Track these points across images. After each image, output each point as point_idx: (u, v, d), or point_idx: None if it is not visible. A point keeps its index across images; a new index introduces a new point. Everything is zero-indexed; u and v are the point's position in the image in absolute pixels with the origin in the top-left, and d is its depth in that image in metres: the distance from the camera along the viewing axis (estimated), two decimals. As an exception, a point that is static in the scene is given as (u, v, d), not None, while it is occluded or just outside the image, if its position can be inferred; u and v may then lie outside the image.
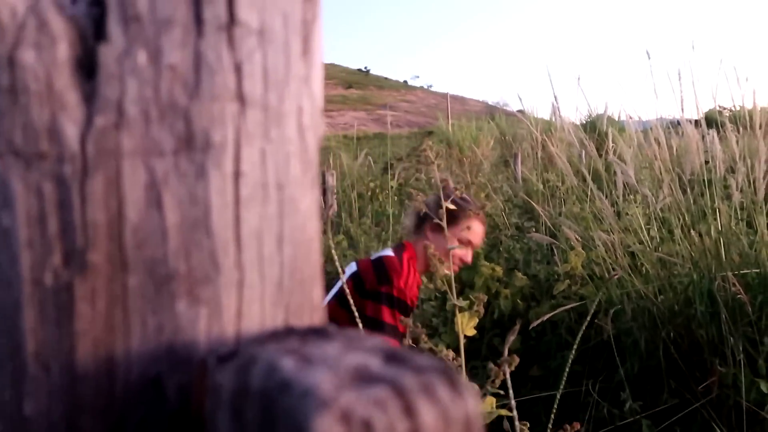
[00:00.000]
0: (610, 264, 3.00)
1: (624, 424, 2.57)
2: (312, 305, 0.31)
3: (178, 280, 0.28)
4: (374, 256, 1.96)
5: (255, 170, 0.29)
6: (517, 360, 0.82)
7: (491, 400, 0.87)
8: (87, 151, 0.27)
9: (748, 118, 3.10)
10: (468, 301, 0.95)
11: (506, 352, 0.86)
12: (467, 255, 1.87)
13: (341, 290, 1.82)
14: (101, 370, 0.27)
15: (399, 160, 8.32)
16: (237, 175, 0.29)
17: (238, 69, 0.29)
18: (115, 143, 0.27)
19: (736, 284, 2.41)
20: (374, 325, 1.68)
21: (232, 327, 0.29)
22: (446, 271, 1.77)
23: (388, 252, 1.83)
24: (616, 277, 0.98)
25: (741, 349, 2.42)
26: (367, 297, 1.73)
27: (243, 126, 0.29)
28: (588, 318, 1.42)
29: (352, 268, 1.94)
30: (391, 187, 5.37)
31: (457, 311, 0.91)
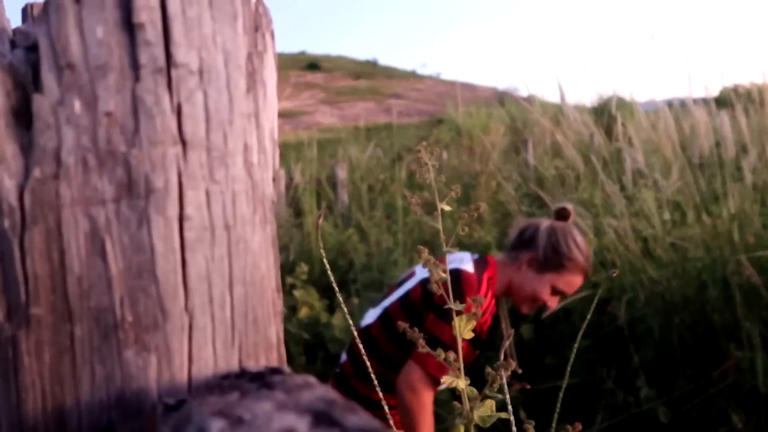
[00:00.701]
0: (622, 250, 2.97)
1: (640, 412, 2.55)
2: (267, 344, 0.31)
3: (125, 328, 0.28)
4: (451, 264, 1.72)
5: (200, 213, 0.29)
6: (513, 365, 0.81)
7: (490, 404, 0.86)
8: (25, 203, 0.27)
9: (758, 95, 3.04)
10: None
11: (502, 357, 0.85)
12: (554, 303, 1.64)
13: (408, 292, 1.61)
14: (51, 422, 0.27)
15: (408, 151, 8.30)
16: (181, 218, 0.28)
17: (178, 111, 0.28)
18: (54, 194, 0.27)
19: (750, 268, 2.38)
20: (431, 341, 1.50)
21: (184, 372, 0.29)
22: (528, 311, 1.67)
23: (468, 265, 1.57)
24: (614, 275, 0.97)
25: (757, 333, 2.39)
26: (431, 308, 1.49)
27: (186, 169, 0.29)
28: (593, 305, 1.39)
29: (423, 272, 1.67)
30: (401, 178, 5.35)
31: (453, 315, 0.90)
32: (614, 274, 0.85)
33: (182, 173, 0.29)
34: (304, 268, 3.35)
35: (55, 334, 0.27)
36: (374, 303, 3.61)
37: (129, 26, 0.28)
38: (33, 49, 0.29)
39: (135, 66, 0.28)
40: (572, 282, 1.58)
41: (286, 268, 4.07)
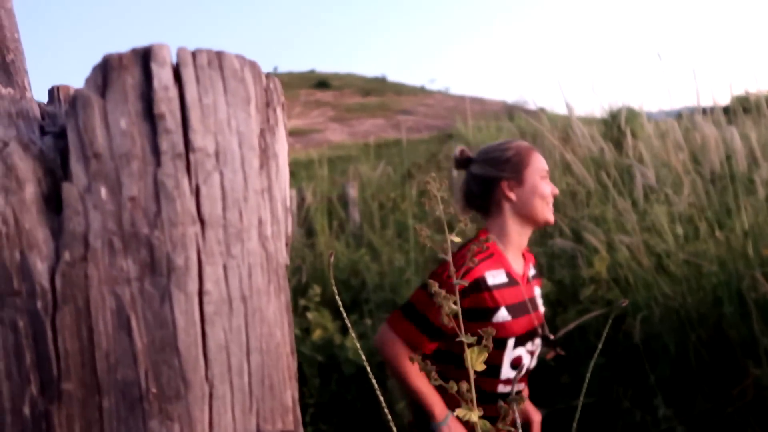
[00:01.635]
0: (635, 266, 2.96)
1: (659, 431, 2.53)
2: (283, 408, 0.32)
3: (150, 400, 0.29)
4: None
5: (218, 287, 0.31)
6: (525, 398, 0.82)
7: (504, 435, 0.87)
8: (56, 285, 0.29)
9: (766, 104, 3.03)
10: (476, 337, 0.94)
11: (514, 389, 0.86)
12: (554, 187, 1.66)
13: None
14: (81, 490, 0.29)
15: (419, 168, 8.31)
16: (201, 293, 0.30)
17: (196, 193, 0.30)
18: (83, 275, 0.29)
19: (766, 283, 2.36)
20: (408, 306, 1.51)
21: (205, 439, 0.30)
22: (553, 216, 1.69)
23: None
24: (625, 305, 0.97)
25: (774, 349, 2.36)
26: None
27: (204, 246, 0.31)
28: (609, 320, 1.37)
29: None
30: (412, 196, 5.37)
31: (465, 347, 0.91)
32: (624, 303, 0.85)
33: (201, 251, 0.30)
34: (317, 290, 3.37)
35: (85, 408, 0.29)
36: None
37: (150, 116, 0.30)
38: (61, 135, 0.32)
39: (156, 152, 0.30)
40: (539, 160, 1.62)
41: (299, 290, 4.08)
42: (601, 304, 3.07)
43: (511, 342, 1.47)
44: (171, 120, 0.30)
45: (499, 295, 1.49)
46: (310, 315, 3.38)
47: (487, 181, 1.60)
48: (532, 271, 1.73)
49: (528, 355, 1.54)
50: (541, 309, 1.65)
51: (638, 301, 2.90)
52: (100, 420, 0.29)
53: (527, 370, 1.55)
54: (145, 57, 0.30)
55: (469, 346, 0.96)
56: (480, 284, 1.45)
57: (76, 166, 0.29)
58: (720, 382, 2.53)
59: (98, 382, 0.29)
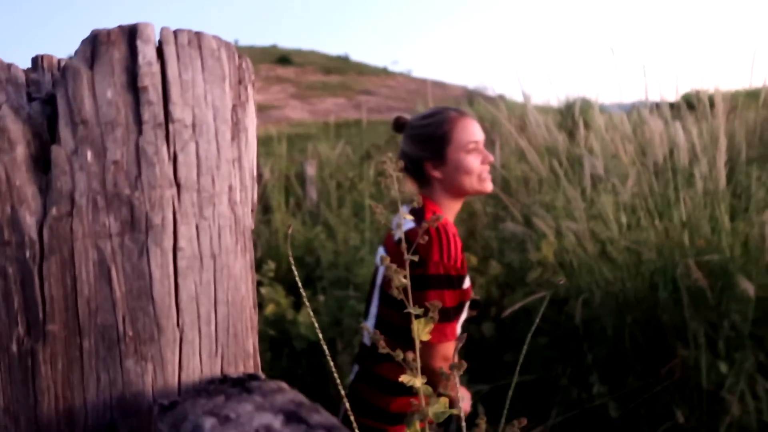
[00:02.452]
0: (580, 252, 3.09)
1: (592, 407, 2.68)
2: (245, 354, 0.37)
3: (126, 342, 0.33)
4: (398, 232, 1.59)
5: (191, 244, 0.34)
6: (465, 366, 0.88)
7: (444, 401, 0.93)
8: (44, 237, 0.32)
9: (712, 101, 3.20)
10: (423, 309, 1.00)
11: (456, 357, 0.92)
12: (487, 154, 1.59)
13: (383, 286, 1.56)
14: (62, 420, 0.32)
15: (378, 149, 8.33)
16: (175, 250, 0.34)
17: (174, 159, 0.34)
18: (68, 229, 0.32)
19: (698, 271, 2.51)
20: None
21: (175, 378, 0.34)
22: (489, 185, 1.65)
23: (409, 224, 1.51)
24: (561, 282, 1.05)
25: (702, 333, 2.53)
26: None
27: (180, 208, 0.34)
28: (545, 301, 1.46)
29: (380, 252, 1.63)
30: (370, 176, 5.40)
31: (413, 318, 0.97)
32: (561, 281, 0.93)
33: (177, 211, 0.34)
34: (271, 265, 3.38)
35: (67, 347, 0.33)
36: (340, 300, 3.63)
37: (134, 88, 0.33)
38: (48, 101, 0.35)
39: (138, 121, 0.33)
40: (465, 132, 1.55)
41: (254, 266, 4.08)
42: (546, 287, 3.20)
43: (467, 305, 1.53)
44: (153, 93, 0.33)
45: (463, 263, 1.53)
46: (263, 290, 3.40)
47: (413, 159, 1.58)
48: None
49: (465, 312, 1.61)
50: None
51: (581, 285, 3.04)
52: (80, 358, 0.33)
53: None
54: (131, 34, 0.33)
55: (417, 317, 1.02)
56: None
57: (64, 131, 0.32)
58: (651, 362, 2.69)
59: (80, 325, 0.33)
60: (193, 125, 0.34)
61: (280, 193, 5.30)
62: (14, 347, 0.32)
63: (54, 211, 0.32)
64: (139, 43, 0.33)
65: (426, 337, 1.01)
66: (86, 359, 0.33)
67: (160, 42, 0.33)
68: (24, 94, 0.35)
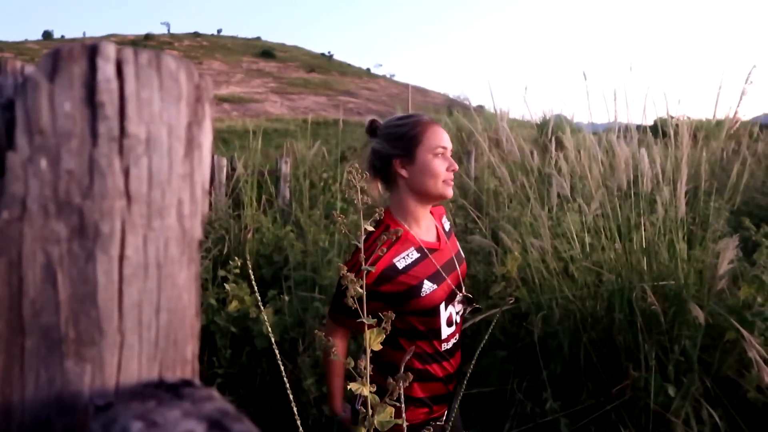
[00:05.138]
0: (543, 269, 3.16)
1: (544, 422, 2.73)
2: (183, 360, 0.39)
3: (67, 343, 0.35)
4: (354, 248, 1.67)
5: (138, 253, 0.36)
6: (410, 377, 0.91)
7: (390, 410, 0.96)
8: (-7, 239, 0.34)
9: (674, 130, 3.30)
10: (376, 319, 1.03)
11: (402, 369, 0.94)
12: (452, 162, 1.64)
13: None
14: (0, 414, 0.34)
15: (354, 151, 8.32)
16: (122, 258, 0.36)
17: (126, 172, 0.36)
18: (18, 233, 0.34)
19: (652, 296, 2.59)
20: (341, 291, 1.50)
21: (113, 380, 0.36)
22: (450, 192, 1.69)
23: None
24: (511, 301, 1.10)
25: (653, 355, 2.61)
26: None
27: (129, 218, 0.36)
28: (497, 316, 1.50)
29: None
30: (343, 179, 5.41)
31: (366, 328, 1.00)
32: (512, 301, 0.96)
33: (125, 221, 0.36)
34: (237, 262, 3.37)
35: (9, 345, 0.34)
36: (305, 301, 3.62)
37: (92, 103, 0.35)
38: (8, 107, 0.36)
39: (94, 134, 0.35)
40: (435, 137, 1.61)
41: (220, 261, 4.06)
42: (509, 302, 3.25)
43: (442, 307, 1.58)
44: (110, 108, 0.35)
45: (416, 272, 1.56)
46: (228, 286, 3.38)
47: (383, 156, 1.64)
48: (447, 224, 1.81)
49: (456, 307, 1.66)
50: (463, 260, 1.73)
51: (542, 301, 3.11)
52: (21, 356, 0.34)
53: (457, 322, 1.67)
54: (92, 51, 0.35)
55: (369, 327, 1.05)
56: (390, 273, 1.53)
57: (21, 138, 0.34)
58: (603, 381, 2.77)
59: (23, 325, 0.34)
60: (147, 141, 0.36)
61: (252, 189, 5.28)
62: (-44, 343, 0.33)
63: (5, 214, 0.34)
64: (99, 60, 0.34)
65: (377, 347, 1.04)
66: (27, 358, 0.34)
67: (119, 61, 0.35)
68: (-16, 99, 0.36)
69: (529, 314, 3.21)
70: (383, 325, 0.99)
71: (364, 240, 1.52)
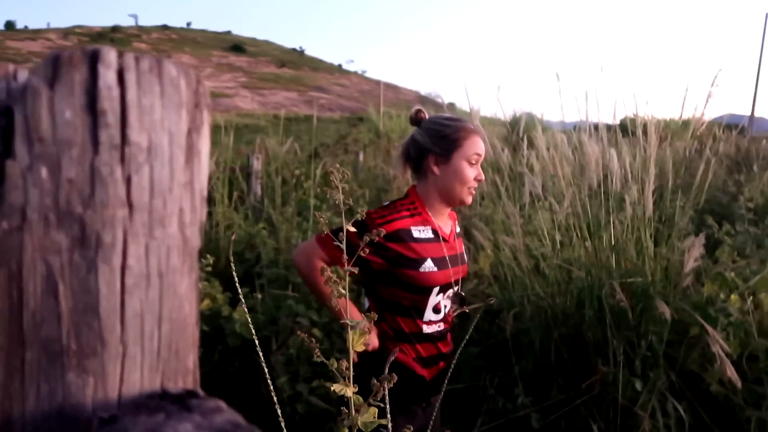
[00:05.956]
0: (515, 266, 3.20)
1: (516, 417, 2.78)
2: (185, 370, 0.38)
3: (69, 355, 0.34)
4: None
5: (139, 263, 0.36)
6: (395, 378, 0.91)
7: (373, 411, 0.96)
8: (-8, 249, 0.33)
9: (641, 127, 3.38)
10: (358, 321, 1.03)
11: (387, 370, 0.95)
12: (481, 172, 1.72)
13: None
14: (1, 428, 0.33)
15: (326, 148, 8.29)
16: (124, 268, 0.35)
17: (128, 181, 0.35)
18: (18, 243, 0.33)
19: (621, 293, 2.65)
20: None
21: (116, 391, 0.35)
22: (470, 200, 1.77)
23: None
24: (491, 301, 1.15)
25: (621, 351, 2.67)
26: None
27: (130, 227, 0.36)
28: (478, 315, 1.51)
29: None
30: (316, 176, 5.38)
31: (348, 329, 1.00)
32: (491, 301, 0.98)
33: (127, 231, 0.35)
34: (209, 259, 3.33)
35: (9, 357, 0.33)
36: (278, 299, 3.60)
37: (93, 111, 0.34)
38: (3, 114, 0.35)
39: (95, 142, 0.34)
40: (474, 145, 1.69)
41: (191, 258, 3.99)
42: (481, 298, 3.29)
43: (435, 290, 1.65)
44: (111, 116, 0.34)
45: (424, 248, 1.64)
46: (199, 284, 3.33)
47: (421, 148, 1.72)
48: (458, 229, 1.91)
49: (447, 301, 1.73)
50: (466, 263, 1.81)
51: (513, 299, 3.15)
52: (21, 369, 0.34)
53: (446, 315, 1.73)
54: (93, 58, 0.34)
55: (351, 328, 1.05)
56: (403, 235, 1.60)
57: (20, 147, 0.33)
58: (573, 377, 2.82)
59: (23, 337, 0.34)
60: (149, 149, 0.36)
61: (223, 185, 5.21)
62: (-46, 356, 0.33)
63: (5, 224, 0.33)
64: (100, 67, 0.34)
65: (360, 348, 1.04)
66: (28, 370, 0.33)
67: (121, 67, 0.35)
68: (-22, 105, 0.35)
69: (501, 311, 3.25)
70: (365, 326, 1.00)
71: (386, 206, 1.60)
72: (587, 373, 2.80)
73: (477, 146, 1.72)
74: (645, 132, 3.41)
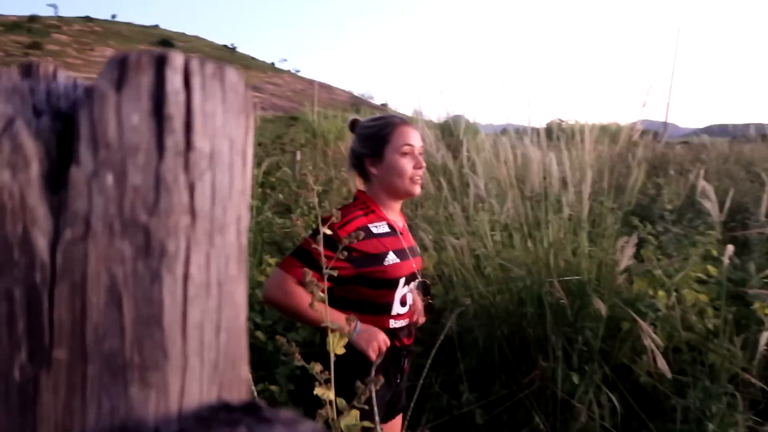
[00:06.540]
0: (458, 266, 3.28)
1: (460, 413, 2.84)
2: (240, 380, 0.38)
3: (132, 368, 0.33)
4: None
5: (201, 272, 0.35)
6: (382, 380, 0.92)
7: (356, 413, 0.97)
8: (56, 260, 0.31)
9: (578, 133, 3.55)
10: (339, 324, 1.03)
11: (373, 372, 0.96)
12: (420, 160, 1.75)
13: None
14: (59, 448, 0.31)
15: (264, 148, 8.20)
16: (186, 277, 0.34)
17: (191, 188, 0.34)
18: (82, 253, 0.32)
19: (560, 290, 2.77)
20: (300, 250, 1.61)
21: (176, 405, 0.34)
22: (417, 189, 1.79)
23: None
24: (467, 303, 1.20)
25: (560, 346, 2.79)
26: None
27: (193, 236, 0.35)
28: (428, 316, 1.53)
29: None
30: (255, 176, 5.28)
31: (329, 332, 1.00)
32: (467, 303, 1.00)
33: (190, 239, 0.35)
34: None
35: (71, 373, 0.32)
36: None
37: (159, 115, 0.33)
38: (57, 116, 0.33)
39: (160, 149, 0.33)
40: (402, 136, 1.74)
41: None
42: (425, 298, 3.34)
43: (401, 281, 1.69)
44: (177, 121, 0.33)
45: (385, 242, 1.69)
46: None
47: (357, 155, 1.80)
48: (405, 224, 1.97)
49: (411, 293, 1.78)
50: (418, 255, 1.88)
51: (457, 298, 3.23)
52: (83, 385, 0.32)
53: (410, 306, 1.76)
54: (160, 61, 0.33)
55: (332, 331, 1.05)
56: (365, 232, 1.61)
57: (84, 153, 0.32)
58: (515, 372, 2.92)
59: (86, 351, 0.32)
60: (211, 155, 0.35)
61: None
62: (16, 374, 0.31)
63: (69, 233, 0.31)
64: (167, 71, 0.33)
65: (340, 351, 1.04)
66: (89, 386, 0.32)
67: (187, 71, 0.34)
68: (30, 107, 0.33)
69: (445, 310, 3.31)
70: (346, 328, 1.00)
71: (342, 208, 1.63)
72: (528, 368, 2.91)
73: (406, 137, 1.78)
74: (575, 136, 3.58)
